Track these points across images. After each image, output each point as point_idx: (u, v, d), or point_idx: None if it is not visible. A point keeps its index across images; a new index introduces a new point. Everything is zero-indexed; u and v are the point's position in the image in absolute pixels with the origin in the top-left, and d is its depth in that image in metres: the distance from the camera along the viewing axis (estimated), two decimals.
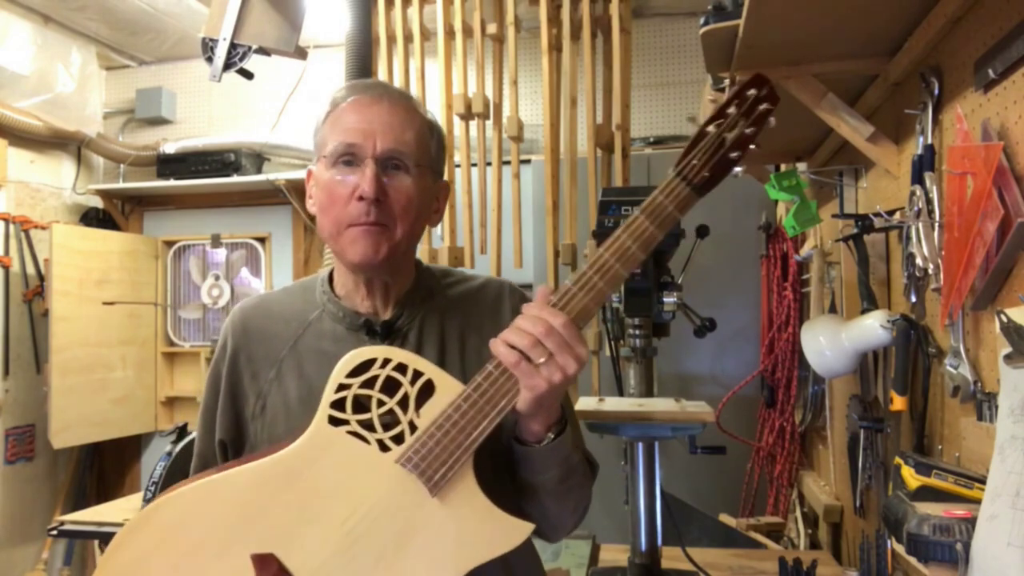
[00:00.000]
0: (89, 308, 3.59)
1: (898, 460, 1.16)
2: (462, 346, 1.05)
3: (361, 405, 0.88)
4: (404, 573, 0.86)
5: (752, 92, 0.86)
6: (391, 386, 0.88)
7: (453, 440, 0.86)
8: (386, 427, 0.87)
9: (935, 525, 0.94)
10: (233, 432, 1.04)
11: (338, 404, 0.87)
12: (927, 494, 1.06)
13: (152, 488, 2.30)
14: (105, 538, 2.38)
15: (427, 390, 0.88)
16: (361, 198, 0.96)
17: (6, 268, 3.53)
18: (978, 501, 0.93)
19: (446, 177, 3.06)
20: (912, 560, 0.97)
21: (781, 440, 2.47)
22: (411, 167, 0.99)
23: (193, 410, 3.87)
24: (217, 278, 3.96)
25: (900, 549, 1.01)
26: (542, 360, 0.84)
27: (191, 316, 4.04)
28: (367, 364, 0.88)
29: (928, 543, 0.94)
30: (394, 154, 0.98)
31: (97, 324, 3.63)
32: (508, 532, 0.89)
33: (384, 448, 0.87)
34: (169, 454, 2.38)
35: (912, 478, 1.09)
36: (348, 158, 0.98)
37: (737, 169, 0.89)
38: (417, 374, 0.88)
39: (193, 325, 4.05)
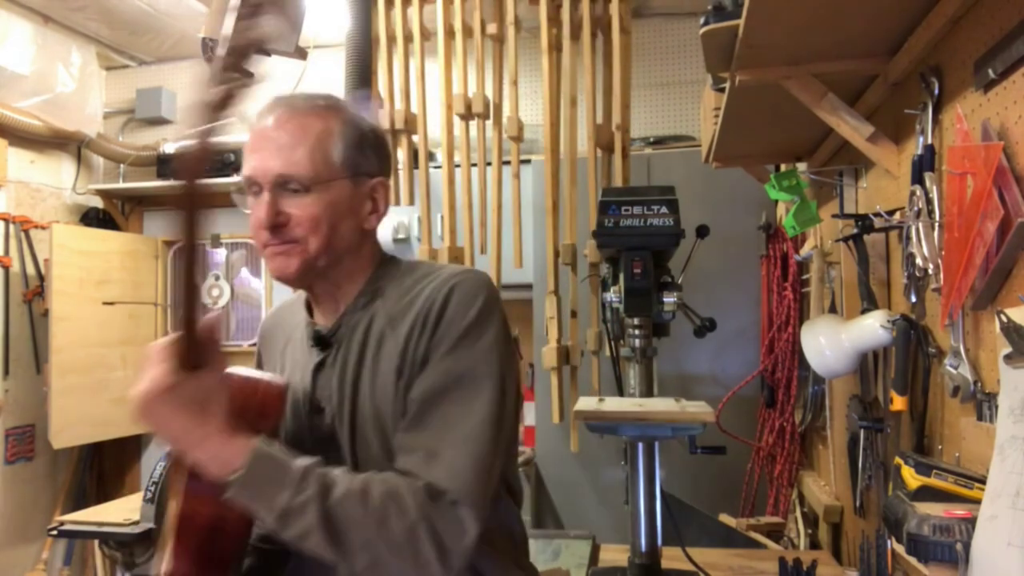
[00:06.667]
0: (89, 308, 3.58)
1: (898, 460, 1.16)
2: (377, 351, 0.99)
3: None
4: None
5: None
6: None
7: None
8: None
9: (935, 525, 0.94)
10: None
11: None
12: (927, 494, 1.06)
13: (152, 488, 2.29)
14: (105, 538, 2.38)
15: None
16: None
17: (6, 268, 3.53)
18: (978, 501, 0.93)
19: (444, 176, 3.03)
20: (912, 560, 0.97)
21: (781, 440, 2.46)
22: (308, 186, 0.97)
23: None
24: (217, 278, 3.96)
25: (900, 549, 1.00)
26: None
27: None
28: None
29: (928, 543, 0.94)
30: (285, 179, 0.98)
31: (97, 324, 3.62)
32: None
33: None
34: (169, 454, 2.37)
35: (912, 478, 1.09)
36: (255, 189, 1.01)
37: None
38: None
39: None
